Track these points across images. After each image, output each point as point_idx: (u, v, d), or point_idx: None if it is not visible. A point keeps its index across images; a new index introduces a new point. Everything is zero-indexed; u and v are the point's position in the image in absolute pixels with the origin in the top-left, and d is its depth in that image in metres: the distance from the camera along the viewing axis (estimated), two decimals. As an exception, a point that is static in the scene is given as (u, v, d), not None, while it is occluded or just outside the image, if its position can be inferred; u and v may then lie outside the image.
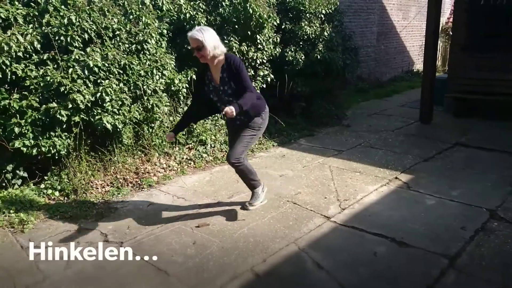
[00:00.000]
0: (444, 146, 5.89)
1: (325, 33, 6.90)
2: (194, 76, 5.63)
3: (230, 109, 3.00)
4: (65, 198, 4.11)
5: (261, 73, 6.41)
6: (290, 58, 6.68)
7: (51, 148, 4.01)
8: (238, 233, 3.48)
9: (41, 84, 4.00)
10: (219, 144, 5.72)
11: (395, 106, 9.06)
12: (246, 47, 6.12)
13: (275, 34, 6.53)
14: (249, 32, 6.16)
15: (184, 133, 5.49)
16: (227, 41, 5.92)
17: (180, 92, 5.37)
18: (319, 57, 6.76)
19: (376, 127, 7.18)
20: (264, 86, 6.46)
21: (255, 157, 5.69)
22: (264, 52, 6.39)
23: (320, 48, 6.86)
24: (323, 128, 7.11)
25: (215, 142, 5.72)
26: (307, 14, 7.00)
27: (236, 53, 6.00)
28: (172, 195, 4.34)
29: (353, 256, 3.13)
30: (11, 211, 3.73)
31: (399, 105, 9.15)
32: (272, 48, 6.51)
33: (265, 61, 6.46)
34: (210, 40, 3.23)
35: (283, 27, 6.84)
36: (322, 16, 7.15)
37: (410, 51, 13.58)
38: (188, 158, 5.31)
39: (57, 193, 4.12)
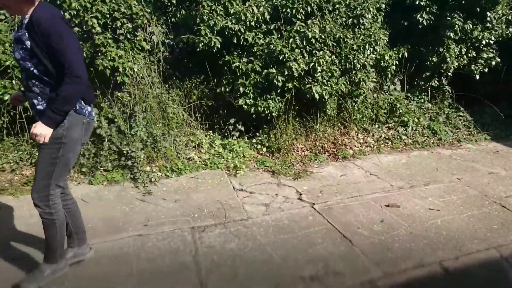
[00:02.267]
0: None
1: None
2: (406, 54, 5.41)
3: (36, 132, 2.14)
4: (271, 154, 4.63)
5: (485, 56, 5.66)
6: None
7: (265, 109, 4.53)
8: (429, 223, 3.31)
9: (265, 51, 4.51)
10: (421, 128, 5.42)
11: None
12: (471, 25, 5.47)
13: (510, 11, 5.61)
14: (478, 8, 5.46)
15: (385, 111, 5.39)
16: (449, 18, 5.41)
17: (389, 69, 5.24)
18: None
19: None
20: (486, 70, 5.71)
21: (460, 147, 5.18)
22: (493, 32, 5.59)
23: None
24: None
25: (418, 125, 5.43)
26: None
27: (458, 31, 5.44)
28: (365, 171, 4.38)
29: None
30: (229, 157, 4.44)
31: None
32: (503, 27, 5.64)
33: (492, 42, 5.66)
34: None
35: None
36: None
37: None
38: (386, 137, 5.22)
39: (264, 149, 4.68)
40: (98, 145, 4.14)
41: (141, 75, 4.30)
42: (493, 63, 5.69)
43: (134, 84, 4.30)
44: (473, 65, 5.74)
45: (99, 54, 3.99)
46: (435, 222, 3.32)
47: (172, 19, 4.62)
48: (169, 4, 4.54)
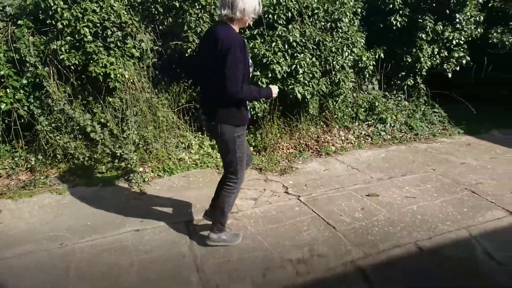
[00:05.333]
0: None
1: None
2: (382, 55, 5.73)
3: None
4: (257, 153, 4.87)
5: (456, 55, 6.02)
6: (494, 40, 6.05)
7: (251, 109, 4.77)
8: (406, 208, 3.59)
9: (250, 55, 4.76)
10: (399, 125, 5.73)
11: None
12: (441, 27, 5.82)
13: (478, 13, 5.99)
14: (447, 10, 5.82)
15: (364, 109, 5.69)
16: (421, 20, 5.76)
17: (367, 70, 5.54)
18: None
19: None
20: (457, 68, 6.07)
21: (436, 141, 5.51)
22: (463, 33, 5.95)
23: (538, 30, 5.99)
24: (525, 121, 6.29)
25: (395, 122, 5.74)
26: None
27: (430, 33, 5.79)
28: (347, 165, 4.65)
29: (534, 255, 2.90)
30: (218, 157, 4.65)
31: None
32: (472, 28, 6.01)
33: (462, 42, 6.02)
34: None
35: (490, 5, 6.20)
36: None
37: None
38: (366, 134, 5.51)
39: (251, 148, 4.91)
40: (92, 149, 4.32)
41: (131, 80, 4.51)
42: (464, 62, 6.04)
43: (125, 89, 4.50)
44: (445, 64, 6.09)
45: (91, 61, 4.18)
46: (411, 208, 3.60)
47: (160, 27, 4.84)
48: (156, 12, 4.76)
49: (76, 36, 4.17)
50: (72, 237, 3.13)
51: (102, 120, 4.41)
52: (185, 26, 4.58)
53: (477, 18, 6.00)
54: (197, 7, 4.59)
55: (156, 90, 4.82)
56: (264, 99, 2.95)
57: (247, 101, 2.82)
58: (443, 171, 4.45)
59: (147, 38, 4.62)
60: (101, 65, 4.17)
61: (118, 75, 4.28)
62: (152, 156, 4.44)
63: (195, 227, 3.30)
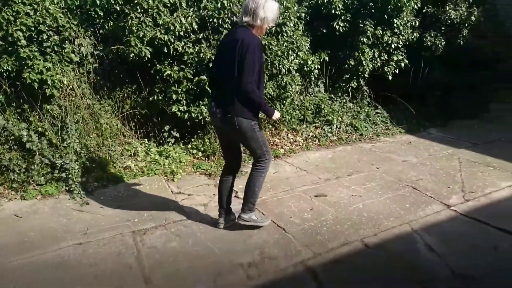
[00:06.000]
0: None
1: (472, 18, 6.42)
2: (327, 58, 5.88)
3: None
4: (206, 158, 4.81)
5: (395, 58, 6.31)
6: (428, 43, 6.42)
7: (199, 114, 4.71)
8: (353, 207, 3.69)
9: (195, 59, 4.70)
10: (345, 126, 5.90)
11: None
12: (381, 31, 6.09)
13: (414, 18, 6.33)
14: (385, 16, 6.10)
15: (311, 112, 5.81)
16: (362, 25, 5.99)
17: (312, 73, 5.67)
18: (462, 43, 6.34)
19: (525, 123, 6.49)
20: (397, 71, 6.36)
21: (379, 141, 5.73)
22: (400, 37, 6.26)
23: (464, 34, 6.43)
24: (459, 120, 6.72)
25: (341, 123, 5.91)
26: (454, -3, 6.59)
27: (370, 37, 6.03)
28: (296, 167, 4.72)
29: (469, 246, 3.07)
30: (166, 164, 4.55)
31: None
32: (409, 32, 6.34)
33: (400, 46, 6.33)
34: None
35: (424, 10, 6.57)
36: (471, -2, 6.65)
37: None
38: (314, 135, 5.63)
39: (200, 153, 4.85)
40: (29, 160, 4.06)
41: (71, 87, 4.30)
42: (402, 64, 6.34)
43: (64, 96, 4.28)
44: (386, 67, 6.36)
45: (26, 67, 3.94)
46: (358, 206, 3.71)
47: (100, 31, 4.66)
48: (96, 16, 4.58)
49: (9, 39, 3.91)
50: (8, 255, 2.91)
51: (40, 128, 4.16)
52: (127, 30, 4.44)
53: (413, 23, 6.33)
54: (139, 10, 4.47)
55: (98, 96, 4.63)
56: (264, 114, 3.12)
57: (252, 106, 2.88)
58: (387, 169, 4.64)
59: (86, 42, 4.43)
60: (36, 71, 3.93)
61: (56, 81, 4.06)
62: (95, 165, 4.25)
63: (142, 237, 3.19)
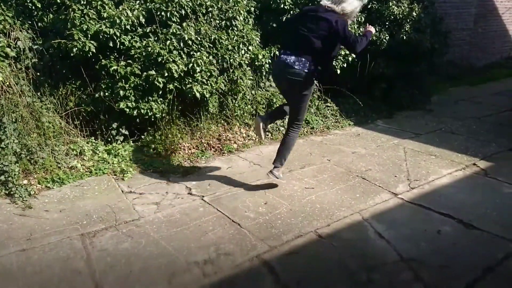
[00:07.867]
0: (536, 137, 5.54)
1: (413, 14, 6.72)
2: (277, 53, 5.91)
3: None
4: (158, 155, 4.69)
5: (342, 52, 6.47)
6: (373, 38, 6.63)
7: (148, 110, 4.58)
8: (306, 199, 3.76)
9: (143, 54, 4.56)
10: (296, 119, 5.97)
11: (487, 94, 8.52)
12: (329, 26, 6.21)
13: (360, 14, 6.51)
14: (333, 11, 6.23)
15: (263, 106, 5.83)
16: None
17: (263, 67, 5.68)
18: (404, 37, 6.63)
19: (461, 113, 6.91)
20: (345, 65, 6.53)
21: (330, 134, 5.87)
22: (348, 32, 6.41)
23: (406, 29, 6.71)
24: (403, 111, 7.02)
25: (293, 117, 5.97)
26: (397, -6, 6.86)
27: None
28: (249, 161, 4.72)
29: (415, 231, 3.23)
30: (115, 162, 4.38)
31: (493, 93, 8.59)
32: (356, 28, 6.52)
33: (347, 41, 6.48)
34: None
35: (369, 6, 6.79)
36: (412, -5, 6.96)
37: (513, 36, 12.46)
38: (266, 130, 5.64)
39: (151, 151, 4.71)
40: (-38, 163, 3.75)
41: (7, 83, 4.01)
42: (350, 59, 6.51)
43: (0, 94, 3.99)
44: (334, 61, 6.50)
45: (-46, 62, 3.63)
46: (311, 198, 3.78)
47: (39, 24, 4.39)
48: (33, 8, 4.30)
49: None
50: None
51: (-27, 129, 3.86)
52: (69, 24, 4.21)
53: (359, 19, 6.53)
54: (82, 2, 4.26)
55: (39, 94, 4.37)
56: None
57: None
58: (337, 160, 4.76)
59: (24, 36, 4.15)
60: (-33, 66, 3.64)
61: (-10, 78, 3.78)
62: (38, 166, 4.01)
63: (92, 240, 3.05)
